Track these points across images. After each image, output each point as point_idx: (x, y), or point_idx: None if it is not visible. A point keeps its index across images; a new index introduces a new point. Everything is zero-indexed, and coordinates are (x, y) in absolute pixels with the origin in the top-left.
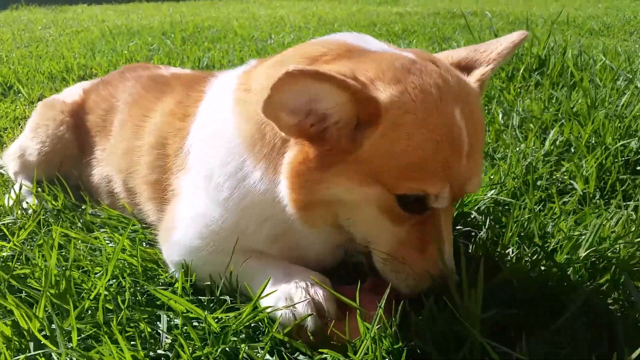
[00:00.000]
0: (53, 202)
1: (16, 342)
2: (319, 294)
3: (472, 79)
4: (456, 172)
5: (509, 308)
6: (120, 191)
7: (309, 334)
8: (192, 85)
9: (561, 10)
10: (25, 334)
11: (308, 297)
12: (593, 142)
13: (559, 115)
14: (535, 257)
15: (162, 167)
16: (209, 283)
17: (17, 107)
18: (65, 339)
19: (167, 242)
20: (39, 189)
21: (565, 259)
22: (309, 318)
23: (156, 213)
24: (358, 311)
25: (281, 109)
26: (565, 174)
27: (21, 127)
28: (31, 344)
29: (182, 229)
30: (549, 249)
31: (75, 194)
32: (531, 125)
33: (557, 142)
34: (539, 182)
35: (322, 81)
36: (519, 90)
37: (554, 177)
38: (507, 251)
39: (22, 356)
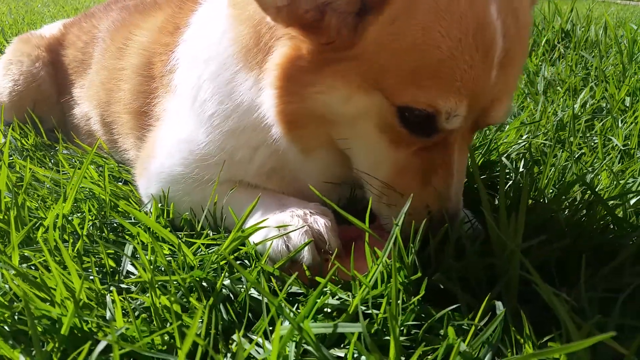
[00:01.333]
0: (23, 140)
1: None
2: (318, 222)
3: None
4: (480, 85)
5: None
6: (97, 129)
7: (305, 269)
8: None
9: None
10: None
11: (305, 225)
12: (627, 104)
13: (589, 79)
14: (576, 205)
15: (146, 93)
16: (188, 217)
17: None
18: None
19: (145, 172)
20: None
21: (613, 204)
22: (306, 249)
23: (137, 148)
24: (367, 246)
25: None
26: (598, 133)
27: None
28: None
29: (163, 156)
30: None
31: (49, 135)
32: (559, 88)
33: (587, 106)
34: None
35: None
36: (541, 60)
37: (588, 134)
38: (541, 200)
39: None
